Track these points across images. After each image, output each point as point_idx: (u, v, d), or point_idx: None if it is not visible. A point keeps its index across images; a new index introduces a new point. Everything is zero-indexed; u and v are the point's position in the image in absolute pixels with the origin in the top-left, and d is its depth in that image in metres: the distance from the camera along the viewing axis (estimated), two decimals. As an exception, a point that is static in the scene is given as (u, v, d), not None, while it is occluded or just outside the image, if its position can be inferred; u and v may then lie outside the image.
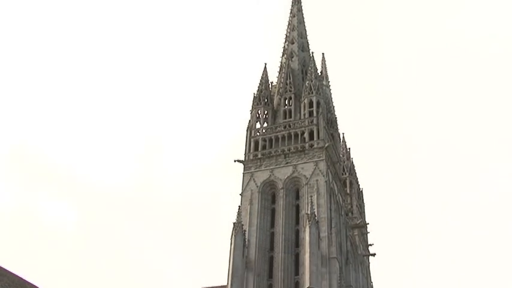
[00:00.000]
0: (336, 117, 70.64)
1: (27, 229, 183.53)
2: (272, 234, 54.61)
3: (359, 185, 77.54)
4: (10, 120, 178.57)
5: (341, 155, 72.48)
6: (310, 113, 60.85)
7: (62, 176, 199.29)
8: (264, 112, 63.67)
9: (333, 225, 53.54)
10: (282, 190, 56.18)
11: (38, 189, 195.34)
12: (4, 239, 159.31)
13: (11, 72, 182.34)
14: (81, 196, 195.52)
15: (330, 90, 76.82)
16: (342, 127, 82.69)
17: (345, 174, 72.78)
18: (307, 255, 46.74)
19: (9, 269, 68.73)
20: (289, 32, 72.64)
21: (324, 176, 55.11)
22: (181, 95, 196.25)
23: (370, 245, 72.91)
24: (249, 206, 55.45)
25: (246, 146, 60.89)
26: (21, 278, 70.16)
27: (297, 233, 53.88)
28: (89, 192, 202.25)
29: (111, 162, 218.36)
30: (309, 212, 49.38)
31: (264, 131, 62.21)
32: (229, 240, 49.75)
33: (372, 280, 71.65)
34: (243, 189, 57.23)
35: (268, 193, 57.29)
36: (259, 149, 60.10)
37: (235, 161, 59.44)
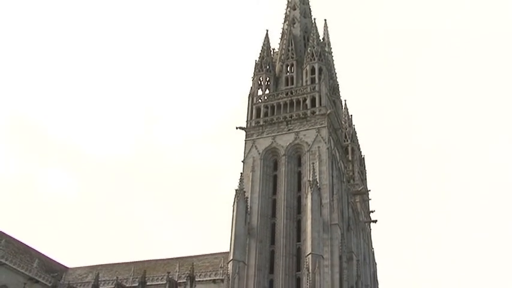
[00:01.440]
0: (338, 84, 70.24)
1: (29, 198, 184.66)
2: (274, 201, 54.88)
3: (361, 151, 77.44)
4: (11, 90, 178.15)
5: (343, 122, 72.31)
6: (312, 80, 60.51)
7: (62, 145, 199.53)
8: (266, 79, 63.32)
9: (334, 192, 53.75)
10: (284, 157, 56.22)
11: (38, 158, 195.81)
12: (7, 207, 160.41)
13: (12, 45, 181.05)
14: (82, 165, 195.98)
15: (332, 56, 76.17)
16: (344, 94, 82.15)
17: (347, 141, 72.60)
18: (309, 222, 46.99)
19: (13, 236, 69.59)
20: (291, -2, 71.82)
21: (325, 142, 55.05)
22: (182, 62, 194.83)
23: (372, 211, 73.22)
24: (251, 173, 55.58)
25: (247, 113, 60.74)
26: (26, 245, 71.04)
27: (299, 199, 54.12)
28: (90, 161, 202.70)
29: (112, 131, 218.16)
30: (310, 179, 49.42)
31: (265, 98, 61.95)
32: (232, 207, 49.89)
33: (373, 246, 72.28)
34: (245, 157, 57.29)
35: (270, 160, 57.36)
36: (261, 116, 59.98)
37: (237, 128, 59.43)
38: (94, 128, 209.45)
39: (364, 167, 77.14)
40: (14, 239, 69.06)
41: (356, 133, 76.18)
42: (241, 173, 53.25)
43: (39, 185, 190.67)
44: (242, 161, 57.07)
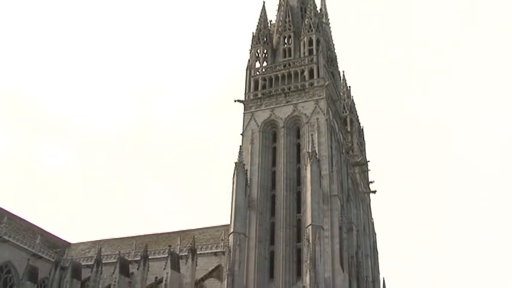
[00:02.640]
0: (336, 55, 69.88)
1: (29, 175, 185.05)
2: (274, 173, 55.08)
3: (359, 122, 77.47)
4: (9, 67, 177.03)
5: (341, 93, 72.16)
6: (310, 51, 60.18)
7: (58, 121, 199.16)
8: (264, 51, 63.00)
9: (334, 163, 53.91)
10: (282, 129, 56.26)
11: (35, 135, 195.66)
12: (8, 185, 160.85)
13: (9, 21, 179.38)
14: (79, 140, 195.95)
15: (330, 27, 75.67)
16: (342, 65, 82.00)
17: (346, 112, 72.60)
18: (308, 193, 47.20)
19: (15, 213, 70.02)
20: (287, -32, 70.87)
21: (324, 114, 55.02)
22: (179, 35, 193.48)
23: (371, 182, 73.61)
24: (250, 146, 55.66)
25: (245, 85, 60.60)
26: (29, 222, 71.52)
27: (298, 171, 54.31)
28: (87, 136, 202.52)
29: (108, 105, 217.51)
30: (310, 151, 49.51)
31: (263, 70, 61.74)
32: (231, 180, 50.07)
33: (373, 217, 72.79)
34: (244, 129, 57.31)
35: (269, 132, 57.40)
36: (259, 89, 59.82)
37: (235, 101, 59.31)
38: (90, 102, 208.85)
39: (363, 138, 77.27)
40: (16, 216, 69.54)
41: (354, 104, 76.13)
42: (240, 146, 53.27)
43: (37, 162, 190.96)
44: (241, 134, 57.11)
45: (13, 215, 68.76)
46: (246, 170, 51.75)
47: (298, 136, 56.34)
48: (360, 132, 76.62)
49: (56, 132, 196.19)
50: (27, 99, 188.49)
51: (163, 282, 50.22)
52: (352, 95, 76.67)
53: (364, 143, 77.25)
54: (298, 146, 55.84)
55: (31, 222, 72.34)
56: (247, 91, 60.08)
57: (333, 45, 71.50)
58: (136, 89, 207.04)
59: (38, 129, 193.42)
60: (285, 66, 60.50)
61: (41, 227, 73.47)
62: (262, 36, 63.65)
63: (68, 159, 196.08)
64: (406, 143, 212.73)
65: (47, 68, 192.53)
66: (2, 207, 68.57)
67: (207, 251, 59.15)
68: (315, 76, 57.87)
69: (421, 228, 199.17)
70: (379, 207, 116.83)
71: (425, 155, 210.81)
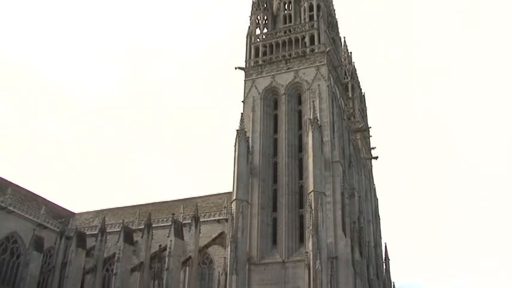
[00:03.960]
0: (336, 21, 69.07)
1: (30, 146, 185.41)
2: (275, 140, 55.05)
3: (361, 88, 77.16)
4: (6, 38, 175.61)
5: (342, 59, 71.66)
6: (311, 17, 59.51)
7: (59, 91, 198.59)
8: (264, 18, 62.31)
9: (335, 130, 53.81)
10: (283, 96, 56.02)
11: (36, 106, 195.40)
12: (10, 156, 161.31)
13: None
14: (80, 111, 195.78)
15: (330, -8, 74.69)
16: (343, 31, 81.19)
17: (347, 78, 72.20)
18: (310, 160, 47.13)
19: (19, 184, 70.42)
20: None
21: (325, 80, 54.68)
22: (179, 1, 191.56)
23: (373, 148, 73.68)
24: (251, 113, 55.50)
25: (246, 52, 60.09)
26: (33, 193, 72.02)
27: (300, 138, 54.27)
28: (89, 107, 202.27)
29: (108, 74, 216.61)
30: (311, 117, 49.30)
31: (264, 37, 61.14)
32: (233, 148, 50.04)
33: (375, 183, 73.06)
34: (245, 96, 57.06)
35: (270, 99, 57.17)
36: (260, 55, 59.34)
37: (236, 68, 58.89)
38: (88, 70, 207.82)
39: (365, 104, 77.06)
40: (20, 187, 70.06)
41: (356, 70, 75.70)
42: (241, 113, 52.97)
43: (38, 133, 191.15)
44: (242, 101, 56.84)
45: (17, 186, 69.28)
46: (248, 138, 51.65)
47: (300, 103, 56.10)
48: (362, 98, 76.36)
49: (56, 102, 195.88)
50: (22, 66, 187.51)
51: (168, 249, 50.71)
52: (353, 60, 76.20)
53: (366, 109, 77.06)
54: (300, 112, 55.66)
55: (35, 192, 72.92)
56: (247, 58, 59.62)
57: (334, 10, 70.60)
58: (135, 56, 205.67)
59: (37, 99, 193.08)
60: (285, 32, 59.89)
61: (45, 197, 74.12)
62: (262, 2, 62.90)
63: (69, 129, 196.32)
64: (407, 109, 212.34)
65: (43, 37, 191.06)
66: (6, 178, 69.05)
67: (210, 219, 59.71)
68: (316, 42, 57.30)
69: (422, 193, 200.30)
70: (381, 173, 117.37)
71: (427, 120, 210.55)
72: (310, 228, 42.89)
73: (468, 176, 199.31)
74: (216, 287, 46.92)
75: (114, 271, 53.33)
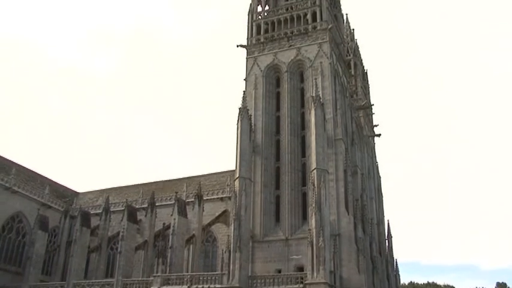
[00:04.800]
0: (339, -3, 68.47)
1: (29, 124, 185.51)
2: (278, 118, 54.94)
3: (363, 66, 76.78)
4: (12, 18, 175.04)
5: (345, 36, 71.12)
6: (313, -6, 58.88)
7: (59, 71, 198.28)
8: (265, -6, 61.69)
9: (338, 107, 53.64)
10: (286, 73, 55.75)
11: (37, 85, 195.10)
12: (8, 134, 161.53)
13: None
14: (82, 88, 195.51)
15: (332, -32, 73.83)
16: (346, 8, 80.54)
17: (349, 55, 71.76)
18: (313, 137, 46.97)
19: (23, 164, 70.64)
20: None
21: (328, 58, 54.32)
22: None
23: (375, 125, 73.57)
24: (253, 91, 55.32)
25: (248, 30, 59.63)
26: (37, 173, 72.27)
27: (303, 115, 54.14)
28: (91, 84, 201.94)
29: (109, 54, 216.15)
30: (313, 95, 49.02)
31: (265, 14, 60.63)
32: (236, 126, 49.91)
33: (377, 160, 73.13)
34: (247, 74, 56.80)
35: (273, 77, 56.93)
36: (262, 33, 58.90)
37: (237, 46, 58.48)
38: (89, 48, 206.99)
39: (367, 82, 76.73)
40: (24, 167, 70.24)
41: (358, 47, 75.23)
42: (243, 91, 52.65)
43: (40, 113, 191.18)
44: (244, 79, 56.62)
45: (21, 166, 69.45)
46: (250, 116, 51.43)
47: (302, 80, 55.84)
48: (364, 75, 76.01)
49: (59, 83, 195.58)
50: (18, 40, 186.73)
51: (171, 228, 50.98)
52: (355, 38, 75.67)
53: (368, 87, 76.75)
54: (302, 90, 55.43)
55: (39, 172, 73.14)
56: (249, 36, 59.19)
57: (336, -13, 69.98)
58: (137, 36, 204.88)
59: (40, 79, 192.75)
60: (287, 9, 59.34)
61: (49, 177, 74.37)
62: (264, -21, 62.19)
63: (71, 109, 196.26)
64: (410, 86, 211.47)
65: (39, 12, 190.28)
66: (10, 158, 69.23)
67: (213, 197, 59.88)
68: (318, 19, 56.79)
69: (425, 170, 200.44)
70: (384, 150, 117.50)
71: (429, 97, 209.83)
72: (313, 205, 42.93)
73: (471, 153, 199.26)
74: (219, 264, 47.21)
75: (119, 249, 53.66)
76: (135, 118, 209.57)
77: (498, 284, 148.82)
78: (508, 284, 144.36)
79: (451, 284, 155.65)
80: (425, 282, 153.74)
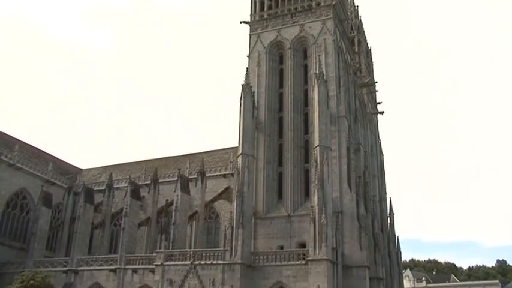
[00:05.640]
0: (343, -27, 67.65)
1: (32, 101, 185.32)
2: (281, 95, 54.77)
3: (367, 43, 76.20)
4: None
5: (349, 13, 70.41)
6: (316, -31, 58.21)
7: (63, 49, 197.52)
8: (269, -30, 60.97)
9: (341, 84, 53.44)
10: (289, 50, 55.41)
11: (38, 63, 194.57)
12: (11, 110, 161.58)
13: None
14: (84, 67, 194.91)
15: None
16: (349, -17, 79.50)
17: (353, 32, 71.12)
18: (316, 114, 46.82)
19: (26, 141, 70.80)
20: None
21: (331, 34, 53.92)
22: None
23: (379, 103, 73.34)
24: (256, 68, 55.07)
25: (251, 6, 59.10)
26: (40, 149, 72.45)
27: (306, 92, 53.95)
28: (93, 62, 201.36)
29: (114, 32, 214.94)
30: (317, 71, 48.75)
31: (269, -11, 59.95)
32: (239, 102, 49.75)
33: (380, 138, 73.05)
34: (250, 51, 56.49)
35: (276, 54, 56.60)
36: (265, 9, 58.36)
37: (241, 23, 58.03)
38: (93, 27, 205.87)
39: (371, 59, 76.24)
40: (27, 144, 70.40)
41: (362, 24, 74.56)
42: (247, 68, 52.34)
43: (43, 90, 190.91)
44: (247, 56, 56.33)
45: (24, 142, 69.61)
46: (253, 92, 51.29)
47: (305, 57, 55.51)
48: (368, 52, 75.49)
49: (62, 59, 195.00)
50: (17, 21, 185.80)
51: (174, 204, 51.19)
52: (359, 14, 74.93)
53: (372, 64, 76.29)
54: (305, 67, 55.15)
55: (42, 149, 73.33)
56: (252, 12, 58.68)
57: (340, -38, 69.11)
58: (140, 13, 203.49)
59: (43, 58, 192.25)
60: (291, -15, 58.67)
61: (52, 154, 74.58)
62: (267, -46, 61.39)
63: (74, 86, 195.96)
64: (414, 64, 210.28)
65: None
66: (13, 135, 69.38)
67: (216, 173, 59.99)
68: (322, -4, 56.18)
69: (428, 148, 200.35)
70: (387, 128, 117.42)
71: (433, 75, 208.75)
72: (316, 182, 42.99)
73: (474, 130, 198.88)
74: (222, 240, 47.43)
75: (122, 226, 53.99)
76: (137, 95, 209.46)
77: (498, 261, 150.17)
78: (508, 262, 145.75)
79: (451, 261, 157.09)
80: (426, 259, 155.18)
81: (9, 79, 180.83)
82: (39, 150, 72.54)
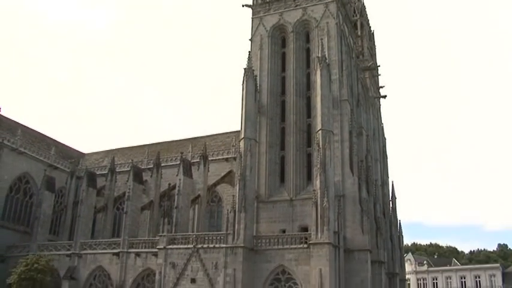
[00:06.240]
0: (346, -45, 67.00)
1: (34, 85, 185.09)
2: (283, 79, 54.57)
3: (370, 26, 75.67)
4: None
5: (351, -4, 69.88)
6: (319, -49, 57.63)
7: (63, 32, 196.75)
8: (270, -48, 60.40)
9: (344, 68, 53.16)
10: (292, 34, 55.09)
11: (40, 47, 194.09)
12: (13, 95, 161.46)
13: None
14: (86, 50, 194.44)
15: None
16: (353, -34, 78.76)
17: (356, 15, 70.60)
18: (318, 98, 46.65)
19: (29, 126, 70.84)
20: None
21: (334, 18, 53.54)
22: None
23: (381, 87, 73.00)
24: (259, 51, 54.81)
25: (253, -11, 58.62)
26: (42, 134, 72.51)
27: (308, 76, 53.76)
28: (95, 46, 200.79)
29: (113, 14, 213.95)
30: (319, 55, 48.46)
31: (271, -27, 59.43)
32: (241, 86, 49.58)
33: (383, 122, 72.86)
34: (253, 35, 56.18)
35: (278, 37, 56.30)
36: (268, -8, 57.88)
37: (243, 6, 57.62)
38: (94, 7, 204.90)
39: (374, 42, 75.81)
40: (29, 128, 70.43)
41: (365, 7, 74.07)
42: (249, 52, 52.03)
43: (45, 74, 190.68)
44: (250, 40, 56.03)
45: (26, 127, 69.62)
46: (256, 76, 51.02)
47: (308, 41, 55.22)
48: (371, 36, 75.03)
49: (63, 44, 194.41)
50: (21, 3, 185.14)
51: (177, 188, 51.29)
52: (363, -3, 74.37)
53: (375, 48, 75.89)
54: (308, 50, 54.88)
55: (44, 134, 73.35)
56: (255, -5, 58.23)
57: None
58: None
59: (46, 42, 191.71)
60: (293, -32, 58.14)
61: (55, 138, 74.63)
62: None
63: (76, 70, 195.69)
64: (417, 48, 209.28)
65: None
66: (15, 119, 69.37)
67: (219, 157, 60.04)
68: (324, -22, 55.66)
69: (430, 132, 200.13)
70: (389, 112, 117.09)
71: (436, 59, 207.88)
72: (318, 166, 42.99)
73: (476, 114, 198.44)
74: (224, 224, 47.57)
75: (125, 210, 54.19)
76: (140, 79, 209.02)
77: (499, 245, 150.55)
78: (509, 246, 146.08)
79: (453, 245, 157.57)
80: (428, 243, 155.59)
81: (10, 63, 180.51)
82: (42, 134, 72.58)
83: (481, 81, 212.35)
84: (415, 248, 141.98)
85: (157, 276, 45.50)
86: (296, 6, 55.84)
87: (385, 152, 71.04)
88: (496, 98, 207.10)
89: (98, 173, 64.07)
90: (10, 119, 68.19)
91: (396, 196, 68.49)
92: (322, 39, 51.25)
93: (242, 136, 47.13)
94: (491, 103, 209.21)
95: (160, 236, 47.09)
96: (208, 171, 55.05)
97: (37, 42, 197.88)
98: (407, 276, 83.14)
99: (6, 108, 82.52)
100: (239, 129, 49.00)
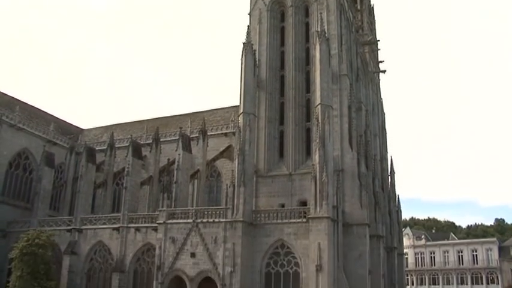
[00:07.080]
0: None
1: (32, 60, 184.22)
2: (282, 53, 54.21)
3: (370, 0, 75.03)
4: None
5: (351, -31, 69.07)
6: None
7: (62, 7, 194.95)
8: None
9: (343, 42, 52.82)
10: (291, 8, 54.57)
11: (39, 23, 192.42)
12: (11, 71, 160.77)
13: None
14: (84, 27, 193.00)
15: None
16: None
17: (356, -11, 69.89)
18: (317, 73, 46.36)
19: (27, 101, 70.65)
20: None
21: (333, -9, 52.96)
22: None
23: (381, 61, 72.63)
24: (258, 26, 54.34)
25: (251, -38, 57.88)
26: (41, 110, 72.34)
27: (307, 51, 53.40)
28: (93, 22, 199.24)
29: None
30: (319, 29, 48.04)
31: None
32: (240, 61, 49.25)
33: (382, 96, 72.68)
34: (251, 9, 55.64)
35: (277, 11, 55.77)
36: (266, -35, 57.17)
37: (241, -20, 57.10)
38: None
39: (373, 17, 75.19)
40: (27, 104, 70.25)
41: (365, -19, 73.23)
42: (248, 26, 51.59)
43: (43, 49, 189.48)
44: (248, 14, 55.50)
45: (24, 103, 69.42)
46: (255, 51, 50.66)
47: (307, 15, 54.71)
48: (370, 10, 74.40)
49: (61, 19, 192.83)
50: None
51: (176, 163, 51.34)
52: (363, -29, 73.52)
53: (375, 22, 75.30)
54: (307, 25, 54.42)
55: (43, 109, 73.19)
56: (253, -31, 57.51)
57: None
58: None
59: (39, 12, 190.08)
60: None
61: (53, 114, 74.49)
62: None
63: (74, 45, 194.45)
64: (417, 22, 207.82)
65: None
66: (13, 95, 69.16)
67: (218, 132, 60.02)
68: (323, -50, 54.94)
69: (429, 108, 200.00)
70: (389, 86, 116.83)
71: (436, 33, 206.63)
72: (317, 141, 42.98)
73: (475, 88, 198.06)
74: (224, 199, 47.75)
75: (124, 185, 54.30)
76: (138, 54, 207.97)
77: (496, 220, 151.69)
78: (506, 220, 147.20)
79: (450, 220, 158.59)
80: (426, 218, 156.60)
81: (8, 39, 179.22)
82: (40, 110, 72.41)
83: (482, 55, 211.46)
84: (413, 223, 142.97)
85: (157, 251, 45.82)
86: (295, -21, 55.17)
87: (384, 127, 71.02)
88: (495, 75, 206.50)
89: (97, 149, 63.97)
90: (8, 95, 67.96)
91: (395, 171, 68.70)
92: (321, 13, 50.78)
93: (241, 111, 46.99)
94: (490, 79, 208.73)
95: (160, 211, 47.28)
96: (208, 146, 55.04)
97: (35, 17, 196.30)
98: (405, 251, 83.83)
99: (4, 84, 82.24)
100: (238, 104, 48.80)
